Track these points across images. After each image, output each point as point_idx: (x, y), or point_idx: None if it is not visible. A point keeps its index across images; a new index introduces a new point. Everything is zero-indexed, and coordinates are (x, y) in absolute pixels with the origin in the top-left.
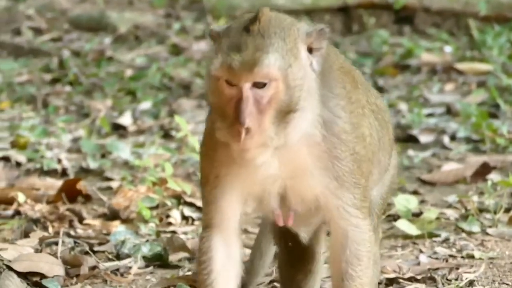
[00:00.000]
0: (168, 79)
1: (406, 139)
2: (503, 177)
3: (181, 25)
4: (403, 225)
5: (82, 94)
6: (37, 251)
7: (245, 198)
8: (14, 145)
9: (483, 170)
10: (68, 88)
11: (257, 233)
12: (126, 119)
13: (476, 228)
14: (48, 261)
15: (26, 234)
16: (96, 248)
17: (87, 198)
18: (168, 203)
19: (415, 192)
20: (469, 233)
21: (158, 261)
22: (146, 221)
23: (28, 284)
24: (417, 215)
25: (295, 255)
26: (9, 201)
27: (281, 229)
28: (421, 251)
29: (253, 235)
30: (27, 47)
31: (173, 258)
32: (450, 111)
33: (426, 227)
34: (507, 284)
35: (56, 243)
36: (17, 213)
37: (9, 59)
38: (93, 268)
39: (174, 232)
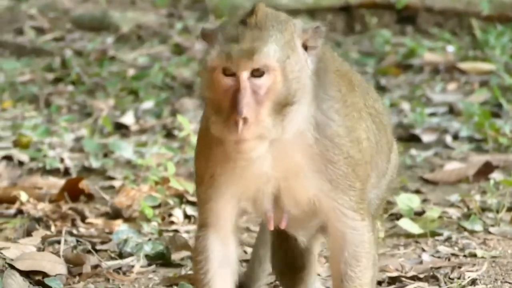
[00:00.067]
0: (170, 79)
1: (408, 138)
2: (506, 176)
3: (184, 25)
4: (405, 224)
5: (85, 93)
6: (39, 250)
7: (239, 198)
8: (17, 144)
9: (486, 169)
10: (70, 88)
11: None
12: (128, 119)
13: (478, 227)
14: (50, 260)
15: (28, 233)
16: (98, 247)
17: (90, 197)
18: (171, 202)
19: (417, 191)
20: (472, 232)
21: (160, 259)
22: (148, 220)
23: (30, 282)
24: (420, 214)
25: (289, 256)
26: (12, 200)
27: (278, 231)
28: (423, 250)
29: (254, 233)
30: (30, 47)
31: (175, 257)
32: (452, 111)
33: (429, 226)
34: (509, 283)
35: (59, 242)
36: (20, 212)
37: (12, 59)
38: (96, 266)
39: (176, 231)
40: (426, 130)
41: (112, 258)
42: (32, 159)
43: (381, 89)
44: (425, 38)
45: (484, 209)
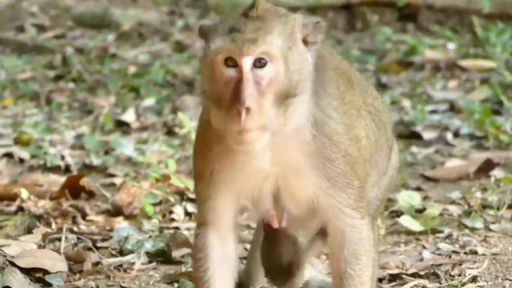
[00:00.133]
0: (171, 76)
1: (409, 135)
2: (506, 174)
3: (185, 22)
4: (406, 221)
5: (86, 91)
6: (40, 247)
7: (239, 196)
8: (18, 141)
9: (486, 167)
10: (71, 85)
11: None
12: (129, 116)
13: (479, 224)
14: (51, 257)
15: (29, 230)
16: (99, 244)
17: (90, 194)
18: (171, 199)
19: (418, 189)
20: (472, 229)
21: (161, 257)
22: (149, 217)
23: (31, 280)
24: (420, 211)
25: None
26: (12, 197)
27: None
28: (424, 247)
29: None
30: (31, 44)
31: (176, 254)
32: (453, 108)
33: (429, 223)
34: (510, 280)
35: (59, 239)
36: (20, 209)
37: (13, 56)
38: (96, 264)
39: (177, 228)
40: (427, 127)
41: (112, 255)
42: (33, 156)
43: (382, 87)
44: (426, 36)
45: (484, 206)
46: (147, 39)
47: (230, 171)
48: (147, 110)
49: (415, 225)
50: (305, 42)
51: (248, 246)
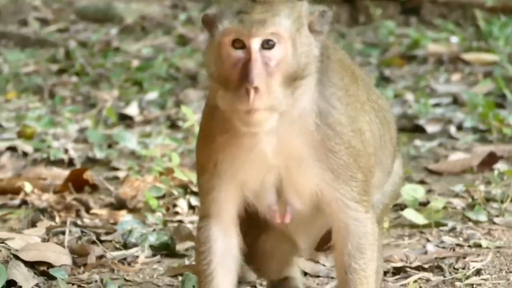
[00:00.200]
0: (174, 70)
1: (413, 129)
2: (510, 167)
3: (188, 16)
4: (410, 214)
5: (89, 84)
6: (44, 240)
7: (242, 189)
8: (21, 135)
9: (490, 160)
10: (74, 79)
11: None
12: (132, 110)
13: (483, 217)
14: (55, 251)
15: (33, 224)
16: (103, 238)
17: (94, 187)
18: (175, 192)
19: (422, 182)
20: (476, 222)
21: (165, 250)
22: (153, 211)
23: (35, 273)
24: (424, 204)
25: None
26: (16, 191)
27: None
28: (428, 240)
29: None
30: (34, 38)
31: (180, 247)
32: (456, 101)
33: (433, 217)
34: None
35: (63, 233)
36: (24, 202)
37: (16, 50)
38: (100, 257)
39: (181, 221)
40: (430, 120)
41: (116, 249)
42: (36, 150)
43: (385, 80)
44: (429, 29)
45: (488, 199)
46: (150, 32)
47: (233, 162)
48: (150, 103)
49: (419, 218)
50: (311, 30)
51: None
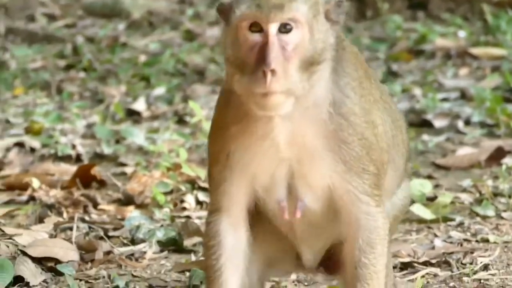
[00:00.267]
0: (182, 65)
1: (420, 123)
2: None
3: (195, 11)
4: (417, 209)
5: (96, 80)
6: (51, 236)
7: (253, 182)
8: (29, 131)
9: (498, 155)
10: (82, 74)
11: None
12: (140, 105)
13: (490, 212)
14: (62, 246)
15: (40, 220)
16: (110, 233)
17: (102, 183)
18: (183, 188)
19: (429, 177)
20: (484, 217)
21: (172, 246)
22: (160, 206)
23: (42, 269)
24: (432, 199)
25: None
26: (24, 187)
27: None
28: (435, 235)
29: None
30: (41, 34)
31: (187, 243)
32: (464, 96)
33: (441, 212)
34: None
35: (71, 229)
36: (32, 198)
37: (23, 46)
38: (108, 253)
39: (188, 217)
40: (438, 115)
41: (124, 245)
42: (44, 145)
43: (393, 75)
44: (437, 24)
45: (496, 194)
46: (157, 28)
47: (246, 152)
48: (157, 99)
49: (426, 213)
50: (327, 18)
51: None
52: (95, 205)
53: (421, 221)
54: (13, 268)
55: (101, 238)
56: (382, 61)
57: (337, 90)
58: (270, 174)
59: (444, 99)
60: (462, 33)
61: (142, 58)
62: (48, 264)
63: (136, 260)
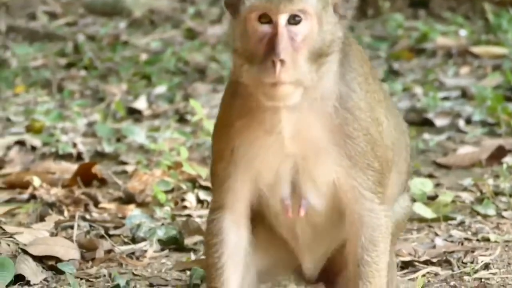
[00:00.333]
0: (183, 63)
1: (421, 122)
2: None
3: (196, 9)
4: (418, 208)
5: (97, 78)
6: (52, 235)
7: (256, 179)
8: (29, 129)
9: (499, 153)
10: (83, 73)
11: None
12: (141, 103)
13: (491, 211)
14: (63, 245)
15: (41, 218)
16: (111, 232)
17: (103, 182)
18: (183, 186)
19: (430, 176)
20: (485, 216)
21: (173, 244)
22: (161, 205)
23: (43, 267)
24: (433, 198)
25: None
26: (25, 185)
27: None
28: (436, 234)
29: None
30: (42, 32)
31: (188, 241)
32: (465, 95)
33: (442, 210)
34: None
35: (72, 227)
36: (33, 197)
37: (24, 44)
38: (109, 251)
39: (189, 215)
40: (439, 114)
41: (125, 243)
42: (45, 144)
43: (394, 73)
44: (438, 22)
45: (497, 193)
46: (158, 26)
47: (250, 147)
48: (159, 97)
49: (427, 212)
50: (335, 12)
51: None
52: (96, 203)
53: (422, 220)
54: (13, 267)
55: (101, 236)
56: (383, 59)
57: (343, 84)
58: (274, 170)
59: (445, 98)
60: (463, 32)
61: (143, 56)
62: (48, 262)
63: (137, 258)
